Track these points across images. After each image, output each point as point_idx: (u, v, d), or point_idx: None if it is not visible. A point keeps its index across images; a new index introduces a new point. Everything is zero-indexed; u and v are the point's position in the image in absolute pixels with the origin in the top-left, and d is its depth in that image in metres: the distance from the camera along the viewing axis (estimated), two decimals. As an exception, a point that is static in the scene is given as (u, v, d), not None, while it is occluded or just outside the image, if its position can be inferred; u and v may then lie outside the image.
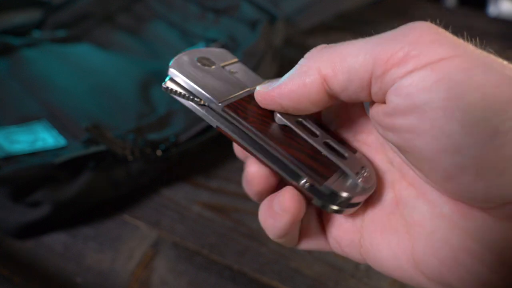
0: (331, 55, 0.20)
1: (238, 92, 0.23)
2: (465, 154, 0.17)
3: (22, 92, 0.46)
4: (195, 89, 0.22)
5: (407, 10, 0.64)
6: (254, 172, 0.23)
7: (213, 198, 0.42)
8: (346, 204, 0.21)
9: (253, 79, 0.25)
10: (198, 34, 0.55)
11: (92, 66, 0.51)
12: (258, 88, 0.23)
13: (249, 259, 0.37)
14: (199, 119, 0.24)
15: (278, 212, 0.22)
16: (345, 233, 0.23)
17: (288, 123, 0.22)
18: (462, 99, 0.17)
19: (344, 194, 0.21)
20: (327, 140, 0.23)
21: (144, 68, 0.51)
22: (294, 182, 0.21)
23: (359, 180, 0.21)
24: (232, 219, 0.40)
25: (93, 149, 0.38)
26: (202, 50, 0.24)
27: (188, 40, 0.55)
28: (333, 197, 0.21)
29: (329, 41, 0.22)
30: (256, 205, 0.25)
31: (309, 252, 0.37)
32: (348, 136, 0.25)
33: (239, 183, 0.37)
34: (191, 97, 0.22)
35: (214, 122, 0.22)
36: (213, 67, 0.24)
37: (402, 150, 0.20)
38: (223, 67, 0.24)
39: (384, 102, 0.19)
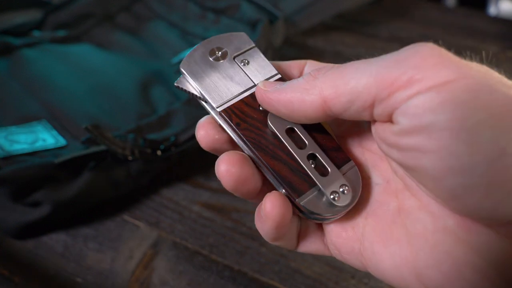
0: (335, 77, 0.20)
1: (241, 91, 0.24)
2: (471, 174, 0.17)
3: (22, 92, 0.46)
4: (199, 91, 0.23)
5: (407, 10, 0.64)
6: (246, 173, 0.23)
7: (213, 198, 0.42)
8: (320, 219, 0.22)
9: (263, 70, 0.25)
10: (198, 34, 0.55)
11: (92, 66, 0.51)
12: (260, 84, 0.23)
13: (249, 259, 0.37)
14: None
15: (262, 217, 0.22)
16: (345, 241, 0.23)
17: (277, 133, 0.22)
18: (468, 119, 0.17)
19: (316, 211, 0.22)
20: (314, 152, 0.23)
21: (144, 68, 0.51)
22: (278, 190, 0.23)
23: (335, 199, 0.22)
24: (232, 219, 0.40)
25: (93, 149, 0.39)
26: (222, 37, 0.25)
27: (188, 40, 0.55)
28: (306, 212, 0.22)
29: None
30: (256, 206, 0.25)
31: (309, 252, 0.37)
32: (353, 141, 0.25)
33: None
34: (198, 96, 0.24)
35: (217, 120, 0.24)
36: (224, 60, 0.24)
37: (406, 168, 0.20)
38: (234, 58, 0.24)
39: (387, 121, 0.20)
